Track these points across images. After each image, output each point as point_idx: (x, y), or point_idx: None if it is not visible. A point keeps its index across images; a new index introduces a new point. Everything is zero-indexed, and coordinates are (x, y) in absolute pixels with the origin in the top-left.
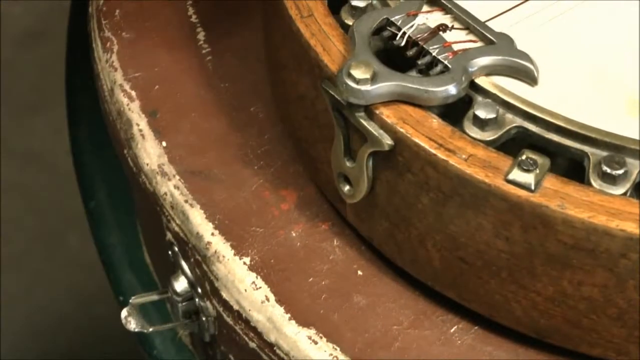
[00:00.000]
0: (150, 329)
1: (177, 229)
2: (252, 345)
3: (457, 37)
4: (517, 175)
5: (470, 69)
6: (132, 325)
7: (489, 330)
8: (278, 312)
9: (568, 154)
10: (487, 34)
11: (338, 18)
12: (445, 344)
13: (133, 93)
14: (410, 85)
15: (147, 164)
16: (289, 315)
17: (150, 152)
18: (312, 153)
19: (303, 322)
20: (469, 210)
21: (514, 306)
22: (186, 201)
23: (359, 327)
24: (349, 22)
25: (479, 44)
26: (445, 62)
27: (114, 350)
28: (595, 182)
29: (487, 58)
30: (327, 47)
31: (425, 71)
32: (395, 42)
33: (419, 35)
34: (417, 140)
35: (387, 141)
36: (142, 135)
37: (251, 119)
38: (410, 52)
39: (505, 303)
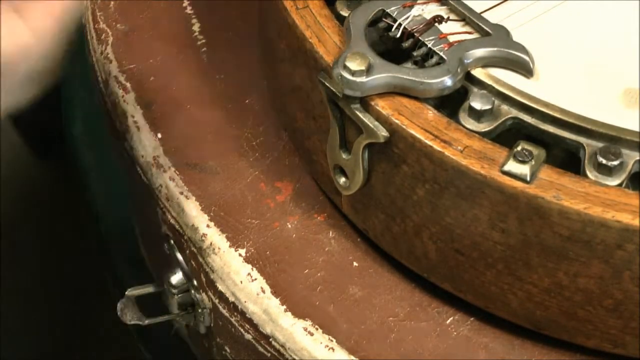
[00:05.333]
0: (146, 322)
1: (172, 221)
2: (248, 336)
3: (453, 29)
4: (512, 166)
5: (465, 61)
6: (128, 317)
7: (484, 322)
8: (274, 304)
9: (564, 145)
10: (482, 26)
11: (333, 9)
12: (441, 335)
13: (128, 85)
14: (405, 77)
15: (143, 156)
16: (284, 306)
17: (145, 144)
18: (307, 145)
19: (299, 313)
20: (465, 201)
21: (510, 298)
22: (181, 193)
23: (355, 318)
24: (345, 13)
25: (475, 35)
26: (441, 54)
27: (111, 343)
28: (591, 173)
29: (482, 50)
30: (323, 39)
31: (420, 63)
32: (390, 34)
33: (414, 27)
34: (412, 131)
35: (383, 133)
36: (137, 127)
37: (246, 110)
38: (406, 44)
39: (501, 295)
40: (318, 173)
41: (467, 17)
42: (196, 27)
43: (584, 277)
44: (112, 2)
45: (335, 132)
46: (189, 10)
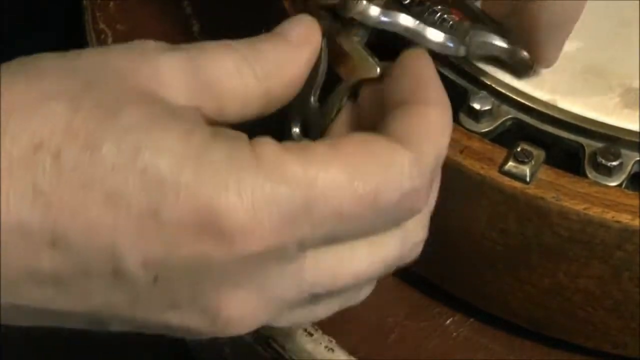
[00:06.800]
0: None
1: None
2: (247, 338)
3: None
4: (512, 166)
5: (472, 38)
6: None
7: (484, 322)
8: None
9: (563, 145)
10: (488, 19)
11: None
12: (441, 336)
13: None
14: (414, 20)
15: None
16: None
17: None
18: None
19: None
20: (464, 202)
21: (510, 298)
22: None
23: (355, 319)
24: None
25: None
26: (450, 22)
27: (110, 344)
28: (591, 174)
29: (488, 35)
30: None
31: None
32: None
33: None
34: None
35: (378, 69)
36: None
37: None
38: (416, 8)
39: (500, 295)
40: None
41: (476, 14)
42: (196, 28)
43: (583, 277)
44: (111, 2)
45: (316, 75)
46: (188, 10)
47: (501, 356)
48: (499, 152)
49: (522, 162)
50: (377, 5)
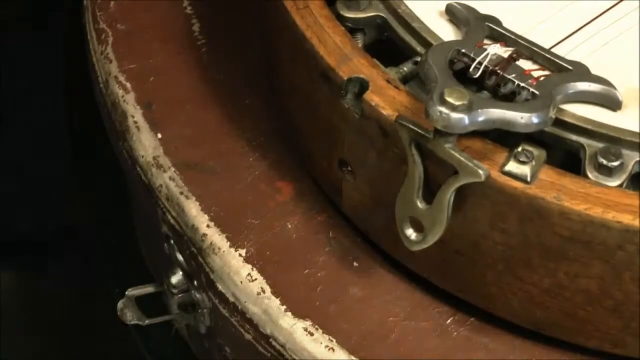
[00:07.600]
0: (146, 322)
1: (172, 221)
2: (248, 337)
3: (527, 67)
4: (513, 167)
5: (557, 96)
6: (128, 317)
7: (485, 322)
8: (274, 304)
9: (564, 145)
10: (560, 62)
11: (333, 9)
12: (441, 335)
13: (128, 85)
14: (507, 111)
15: (142, 156)
16: (284, 307)
17: (145, 144)
18: (307, 145)
19: (299, 313)
20: (465, 202)
21: (510, 298)
22: (181, 193)
23: (355, 318)
24: (344, 13)
25: (547, 72)
26: (531, 89)
27: (110, 343)
28: (592, 174)
29: (572, 84)
30: (323, 39)
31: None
32: (470, 74)
33: (496, 65)
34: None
35: (484, 171)
36: (137, 127)
37: (246, 110)
38: (490, 82)
39: (501, 295)
40: (318, 173)
41: (540, 54)
42: (196, 27)
43: (584, 277)
44: (112, 2)
45: (414, 181)
46: (189, 10)
47: (501, 356)
48: (500, 152)
49: (523, 162)
50: (464, 107)
